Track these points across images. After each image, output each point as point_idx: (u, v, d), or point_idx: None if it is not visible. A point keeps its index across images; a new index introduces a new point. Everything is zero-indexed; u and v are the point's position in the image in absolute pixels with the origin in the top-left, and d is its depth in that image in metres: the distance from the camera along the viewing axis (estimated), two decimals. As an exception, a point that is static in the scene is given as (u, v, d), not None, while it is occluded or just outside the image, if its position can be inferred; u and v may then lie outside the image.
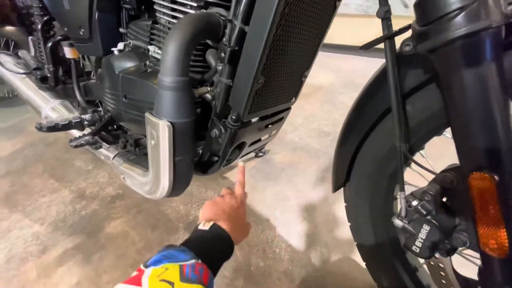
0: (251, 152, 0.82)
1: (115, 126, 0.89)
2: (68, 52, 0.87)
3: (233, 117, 0.57)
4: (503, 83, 0.29)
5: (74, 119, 0.77)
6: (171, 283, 0.34)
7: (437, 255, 0.47)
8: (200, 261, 0.40)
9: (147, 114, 0.54)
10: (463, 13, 0.27)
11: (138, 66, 0.68)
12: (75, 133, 0.86)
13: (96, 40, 0.76)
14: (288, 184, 1.13)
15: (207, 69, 0.64)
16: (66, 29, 0.82)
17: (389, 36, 0.39)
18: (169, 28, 0.66)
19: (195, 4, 0.57)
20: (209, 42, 0.58)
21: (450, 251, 0.41)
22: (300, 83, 0.69)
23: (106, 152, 0.80)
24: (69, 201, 1.09)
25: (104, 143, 0.82)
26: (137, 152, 0.82)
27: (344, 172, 0.62)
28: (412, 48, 0.34)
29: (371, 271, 0.68)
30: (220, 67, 0.54)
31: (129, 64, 0.69)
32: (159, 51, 0.68)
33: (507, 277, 0.32)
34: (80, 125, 0.79)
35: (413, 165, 0.50)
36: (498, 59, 0.28)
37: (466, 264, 0.47)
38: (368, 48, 0.42)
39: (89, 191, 1.15)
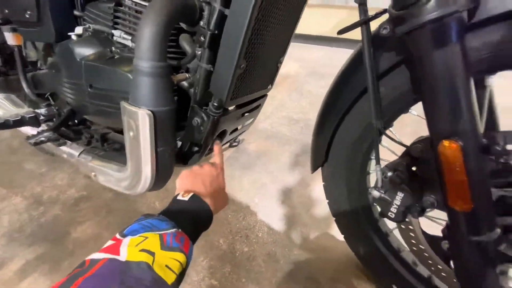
0: (229, 141, 0.82)
1: (76, 121, 0.81)
2: (11, 38, 0.76)
3: (215, 104, 0.56)
4: (465, 61, 0.34)
5: (27, 114, 0.68)
6: (152, 253, 0.33)
7: (408, 218, 0.54)
8: (180, 230, 0.39)
9: (123, 103, 0.50)
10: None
11: (103, 52, 0.63)
12: (28, 130, 0.76)
13: (46, 24, 0.67)
14: (264, 171, 1.16)
15: (180, 55, 0.61)
16: (7, 11, 0.71)
17: (365, 20, 0.42)
18: (136, 11, 0.61)
19: (167, -15, 0.54)
20: (183, 26, 0.55)
21: (420, 213, 0.47)
22: (276, 69, 0.71)
23: (69, 149, 0.73)
24: (24, 209, 0.97)
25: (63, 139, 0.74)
26: (106, 147, 0.76)
27: (322, 153, 0.66)
28: (389, 31, 0.37)
29: (348, 242, 0.74)
30: (199, 52, 0.53)
31: (91, 51, 0.63)
32: (126, 36, 0.63)
33: (471, 227, 0.38)
34: (35, 121, 0.70)
35: (383, 142, 0.56)
36: (462, 40, 0.33)
37: (431, 225, 0.55)
38: (345, 32, 0.45)
39: (47, 196, 1.03)
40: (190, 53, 0.54)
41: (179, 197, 0.47)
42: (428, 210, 0.47)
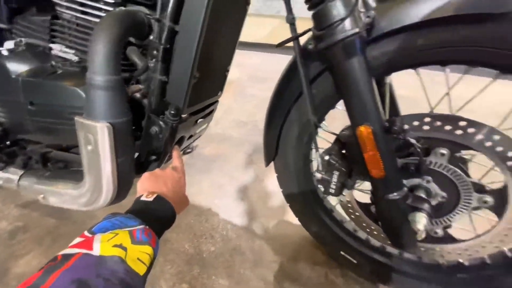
0: (185, 147, 0.85)
1: (8, 142, 0.73)
2: None
3: (172, 111, 0.59)
4: (368, 66, 0.46)
5: None
6: (124, 248, 0.35)
7: (345, 192, 0.67)
8: (147, 227, 0.42)
9: (78, 118, 0.50)
10: (342, 23, 0.42)
11: (43, 68, 0.60)
12: None
13: (-36, 37, 0.61)
14: (221, 173, 1.21)
15: (128, 67, 0.63)
16: None
17: (296, 37, 0.52)
18: (78, 25, 0.60)
19: (112, 1, 0.55)
20: (132, 40, 0.57)
21: (352, 186, 0.60)
22: (225, 77, 0.77)
23: (5, 174, 0.66)
24: None
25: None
26: (50, 167, 0.71)
27: (273, 148, 0.76)
28: (314, 46, 0.48)
29: (302, 223, 0.85)
30: (152, 64, 0.56)
31: (28, 66, 0.59)
32: (68, 50, 0.61)
33: (386, 189, 0.51)
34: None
35: (320, 133, 0.68)
36: (365, 51, 0.45)
37: (362, 196, 0.69)
38: (282, 45, 0.54)
39: (-28, 234, 0.89)
40: (143, 65, 0.57)
41: (143, 198, 0.49)
42: (357, 182, 0.60)
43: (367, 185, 0.60)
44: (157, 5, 0.53)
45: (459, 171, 0.51)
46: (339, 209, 0.78)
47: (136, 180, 0.66)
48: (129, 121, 0.54)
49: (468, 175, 0.51)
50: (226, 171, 1.22)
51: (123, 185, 0.58)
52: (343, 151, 0.60)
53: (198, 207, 1.04)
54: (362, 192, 0.68)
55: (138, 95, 0.62)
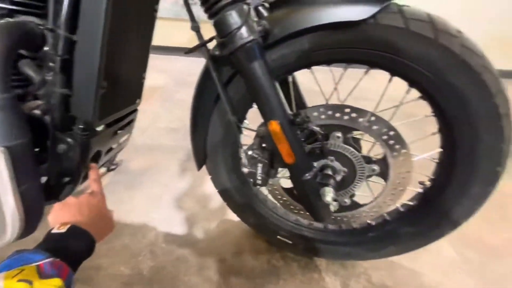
0: (104, 164, 0.79)
1: None
2: None
3: (81, 126, 0.55)
4: (269, 69, 0.53)
5: None
6: (30, 282, 0.34)
7: (271, 181, 0.74)
8: (58, 259, 0.40)
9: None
10: (239, 31, 0.47)
11: None
12: None
13: None
14: (154, 185, 1.16)
15: (22, 82, 0.55)
16: None
17: (202, 44, 0.55)
18: None
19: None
20: (23, 52, 0.51)
21: (276, 174, 0.67)
22: (141, 84, 0.75)
23: None
24: None
25: None
26: None
27: (202, 152, 0.77)
28: (220, 53, 0.52)
29: (241, 218, 0.90)
30: (50, 77, 0.51)
31: None
32: None
33: (300, 171, 0.59)
34: None
35: (245, 131, 0.73)
36: (264, 55, 0.51)
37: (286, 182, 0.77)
38: (191, 52, 0.57)
39: None
40: (39, 79, 0.51)
41: (55, 230, 0.46)
42: (279, 170, 0.67)
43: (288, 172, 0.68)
44: (48, 15, 0.49)
45: (352, 148, 0.62)
46: (270, 197, 0.85)
47: (49, 207, 0.59)
48: (28, 143, 0.49)
49: (359, 151, 0.64)
50: (160, 182, 1.17)
51: (31, 216, 0.51)
52: (264, 145, 0.67)
53: (132, 225, 0.97)
54: (285, 178, 0.77)
55: (37, 112, 0.56)
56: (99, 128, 0.63)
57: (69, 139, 0.55)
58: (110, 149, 0.73)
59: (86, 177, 0.67)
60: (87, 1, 0.48)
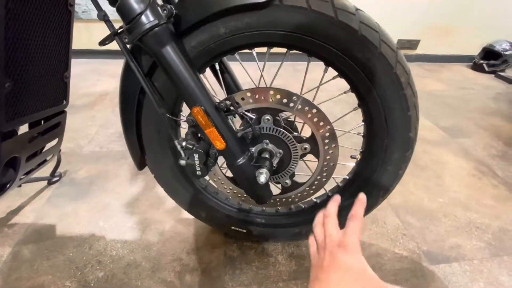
0: (30, 175, 0.73)
1: None
2: None
3: (-15, 131, 0.50)
4: (187, 56, 0.52)
5: None
6: None
7: (213, 171, 0.73)
8: None
9: None
10: (142, 16, 0.46)
11: None
12: None
13: None
14: (103, 193, 1.10)
15: None
16: None
17: (115, 33, 0.53)
18: None
19: None
20: None
21: (214, 162, 0.66)
22: (64, 85, 0.70)
23: None
24: None
25: None
26: None
27: (138, 151, 0.74)
28: (129, 40, 0.50)
29: (193, 214, 0.88)
30: None
31: None
32: None
33: (232, 156, 0.59)
34: None
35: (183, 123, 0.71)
36: (177, 42, 0.50)
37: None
38: (104, 44, 0.54)
39: None
40: None
41: None
42: (217, 157, 0.66)
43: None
44: None
45: (282, 129, 0.64)
46: (221, 189, 0.85)
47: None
48: None
49: (290, 132, 0.66)
50: (109, 189, 1.11)
51: None
52: (199, 135, 0.66)
53: (77, 237, 0.91)
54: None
55: None
56: (20, 129, 0.58)
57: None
58: (34, 155, 0.68)
59: (4, 188, 0.62)
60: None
